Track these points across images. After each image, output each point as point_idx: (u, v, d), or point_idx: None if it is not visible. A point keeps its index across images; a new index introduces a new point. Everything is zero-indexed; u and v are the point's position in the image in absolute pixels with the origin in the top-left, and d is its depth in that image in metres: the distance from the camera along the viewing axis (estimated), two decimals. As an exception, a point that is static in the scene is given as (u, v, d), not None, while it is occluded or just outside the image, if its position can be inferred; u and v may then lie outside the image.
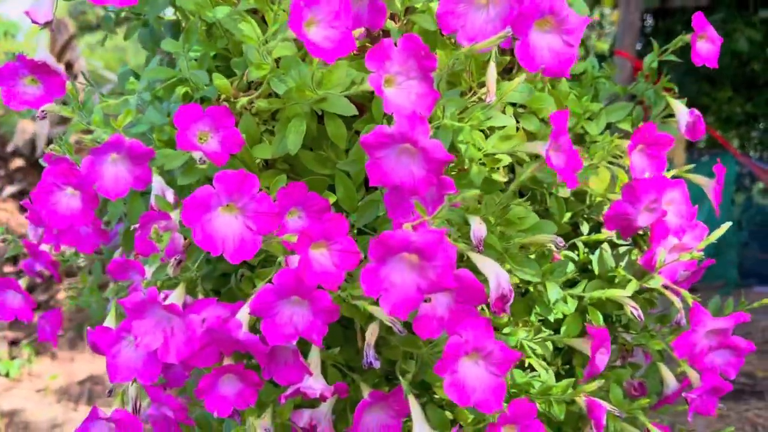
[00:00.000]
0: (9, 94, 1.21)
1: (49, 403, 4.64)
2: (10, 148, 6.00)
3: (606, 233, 1.18)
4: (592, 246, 1.24)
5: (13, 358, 5.10)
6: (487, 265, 0.87)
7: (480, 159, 0.97)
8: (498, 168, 1.10)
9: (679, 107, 1.29)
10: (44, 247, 1.35)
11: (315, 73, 0.93)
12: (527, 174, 0.94)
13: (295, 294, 0.83)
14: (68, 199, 1.13)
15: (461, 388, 0.84)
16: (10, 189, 6.06)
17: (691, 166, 1.35)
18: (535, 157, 1.08)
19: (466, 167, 1.02)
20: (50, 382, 4.86)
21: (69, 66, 5.70)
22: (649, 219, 0.98)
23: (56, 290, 6.03)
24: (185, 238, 1.06)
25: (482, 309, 0.98)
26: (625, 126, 1.35)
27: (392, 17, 1.09)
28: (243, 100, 1.01)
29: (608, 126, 1.36)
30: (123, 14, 1.39)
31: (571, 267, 1.20)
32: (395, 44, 0.85)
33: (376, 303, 0.89)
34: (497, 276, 0.85)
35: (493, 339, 0.85)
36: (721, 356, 1.18)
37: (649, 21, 8.16)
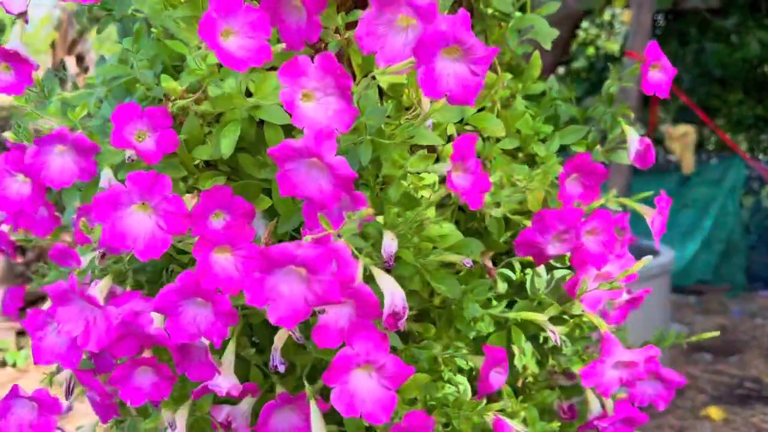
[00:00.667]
0: (-19, 78, 1.26)
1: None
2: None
3: (540, 256, 1.20)
4: (530, 266, 1.25)
5: (20, 348, 5.22)
6: (384, 281, 0.89)
7: (399, 176, 0.99)
8: (432, 185, 1.12)
9: (631, 134, 1.30)
10: (4, 228, 1.40)
11: (243, 82, 0.96)
12: (439, 194, 0.95)
13: (196, 296, 0.87)
14: (19, 186, 1.18)
15: (349, 399, 0.87)
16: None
17: (644, 194, 1.35)
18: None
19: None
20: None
21: (80, 58, 5.81)
22: (561, 249, 1.00)
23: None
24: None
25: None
26: (580, 149, 1.36)
27: (337, 31, 1.12)
28: (180, 102, 1.05)
29: (564, 148, 1.37)
30: (95, 9, 1.43)
31: (504, 287, 1.22)
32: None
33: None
34: (392, 294, 0.87)
35: (386, 353, 0.87)
36: (651, 387, 1.20)
37: (661, 22, 8.05)
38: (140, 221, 0.89)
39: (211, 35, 0.83)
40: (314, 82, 0.88)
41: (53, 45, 5.76)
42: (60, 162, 1.11)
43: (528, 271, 1.25)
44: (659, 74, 1.24)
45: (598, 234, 1.05)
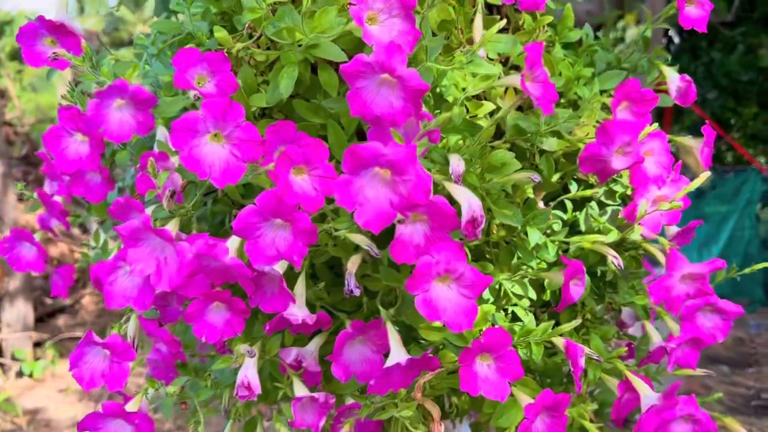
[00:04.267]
0: (29, 53, 1.28)
1: (70, 402, 4.77)
2: (40, 152, 6.18)
3: (592, 191, 1.21)
4: (581, 206, 1.26)
5: (37, 359, 5.24)
6: (460, 191, 0.90)
7: (461, 99, 1.01)
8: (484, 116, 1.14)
9: (671, 73, 1.32)
10: (57, 199, 1.42)
11: (305, 17, 0.98)
12: (507, 109, 0.97)
13: (277, 215, 0.88)
14: (77, 145, 1.20)
15: (432, 306, 0.88)
16: (41, 193, 6.25)
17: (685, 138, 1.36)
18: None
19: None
20: (72, 383, 4.97)
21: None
22: (624, 162, 1.01)
23: (81, 294, 6.21)
24: (183, 179, 1.11)
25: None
26: (619, 94, 1.38)
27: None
28: (238, 46, 1.07)
29: (602, 93, 1.39)
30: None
31: (558, 226, 1.23)
32: (378, -17, 0.90)
33: (356, 232, 0.93)
34: (469, 201, 0.89)
35: (464, 262, 0.88)
36: (709, 319, 1.20)
37: (675, 39, 8.13)
38: (214, 151, 0.91)
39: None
40: (379, 3, 0.90)
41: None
42: (118, 116, 1.13)
43: (576, 214, 1.26)
44: (695, 9, 1.26)
45: (656, 155, 1.06)
